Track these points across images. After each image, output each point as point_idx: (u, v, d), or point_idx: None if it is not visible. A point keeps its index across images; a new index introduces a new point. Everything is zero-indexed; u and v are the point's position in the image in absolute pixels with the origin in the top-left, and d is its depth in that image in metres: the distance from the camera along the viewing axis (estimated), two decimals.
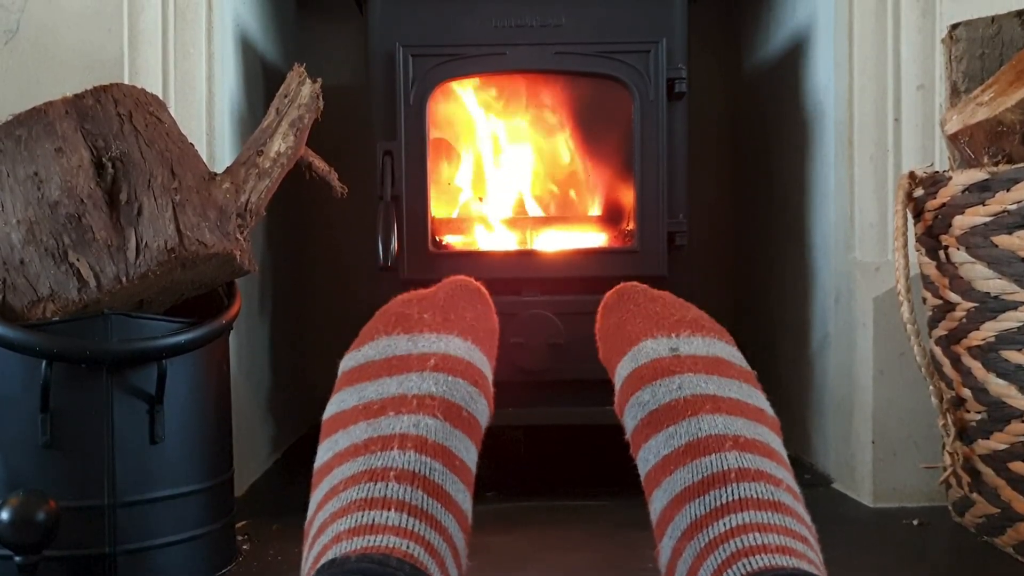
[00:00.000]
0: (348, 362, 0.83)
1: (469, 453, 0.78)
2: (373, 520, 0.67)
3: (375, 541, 0.66)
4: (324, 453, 0.78)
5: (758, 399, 0.80)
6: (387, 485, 0.70)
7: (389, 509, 0.68)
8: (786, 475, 0.74)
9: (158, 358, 1.10)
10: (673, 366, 0.80)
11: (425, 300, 0.86)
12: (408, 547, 0.66)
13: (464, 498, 0.75)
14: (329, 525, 0.69)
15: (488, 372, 0.85)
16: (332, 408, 0.81)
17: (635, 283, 0.93)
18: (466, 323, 0.85)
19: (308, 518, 0.75)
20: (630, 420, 0.81)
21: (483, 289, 0.92)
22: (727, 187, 2.18)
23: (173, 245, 1.10)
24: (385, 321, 0.84)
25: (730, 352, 0.83)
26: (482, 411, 0.81)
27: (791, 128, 1.80)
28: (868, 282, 1.50)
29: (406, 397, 0.77)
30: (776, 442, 0.78)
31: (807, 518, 0.72)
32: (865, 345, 1.50)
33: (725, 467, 0.72)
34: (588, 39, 1.56)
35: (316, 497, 0.75)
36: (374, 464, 0.72)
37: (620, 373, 0.84)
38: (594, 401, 1.50)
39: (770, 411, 0.81)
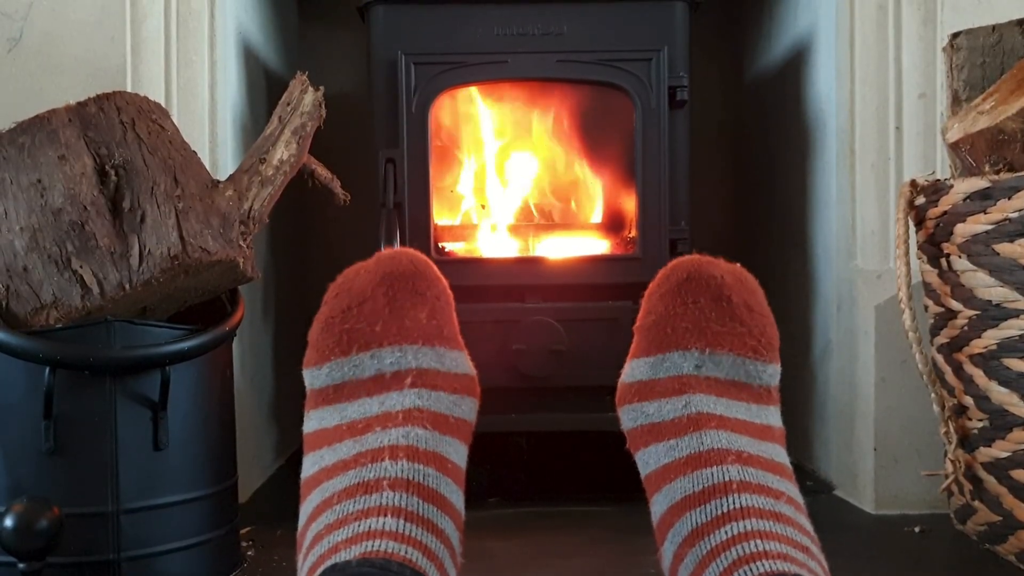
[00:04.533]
0: (313, 380, 0.80)
1: (460, 454, 0.78)
2: (370, 527, 0.67)
3: (374, 546, 0.66)
4: (311, 466, 0.77)
5: (767, 416, 0.80)
6: (382, 494, 0.70)
7: (386, 516, 0.68)
8: (789, 487, 0.74)
9: (161, 365, 1.10)
10: (686, 386, 0.78)
11: (365, 306, 0.80)
12: (407, 552, 0.66)
13: (458, 499, 0.75)
14: (325, 536, 0.69)
15: (464, 363, 0.82)
16: (313, 424, 0.80)
17: (713, 268, 0.82)
18: (421, 326, 0.80)
19: (300, 528, 0.75)
20: (628, 421, 0.81)
21: (419, 266, 0.83)
22: (729, 195, 2.18)
23: (176, 252, 1.10)
24: (337, 340, 0.79)
25: (754, 372, 0.80)
26: (469, 410, 0.81)
27: (793, 136, 1.80)
28: (870, 290, 1.50)
29: (391, 413, 0.76)
30: (781, 455, 0.77)
31: (810, 530, 0.72)
32: (867, 352, 1.50)
33: (727, 479, 0.72)
34: (590, 47, 1.56)
35: (306, 508, 0.75)
36: (367, 476, 0.72)
37: (636, 368, 0.82)
38: (596, 407, 1.50)
39: (778, 425, 0.80)
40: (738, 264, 0.85)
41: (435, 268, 0.85)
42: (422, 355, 0.80)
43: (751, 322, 0.81)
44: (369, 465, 0.72)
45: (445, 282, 0.85)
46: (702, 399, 0.77)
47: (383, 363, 0.78)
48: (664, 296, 0.82)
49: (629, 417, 0.81)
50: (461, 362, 0.82)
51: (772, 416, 0.80)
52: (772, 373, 0.82)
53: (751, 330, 0.81)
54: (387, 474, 0.71)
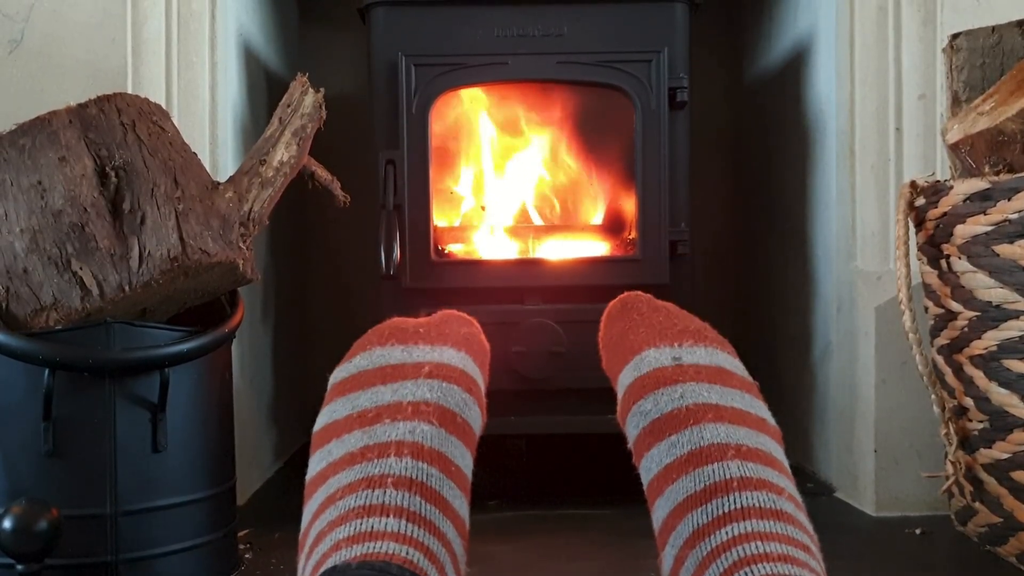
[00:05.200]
0: (339, 373, 0.83)
1: (465, 460, 0.78)
2: (372, 527, 0.67)
3: (375, 548, 0.66)
4: (317, 463, 0.78)
5: (760, 409, 0.80)
6: (385, 492, 0.70)
7: (388, 516, 0.68)
8: (788, 484, 0.74)
9: (161, 366, 1.10)
10: (676, 375, 0.80)
11: (419, 321, 0.87)
12: (408, 553, 0.66)
13: (461, 504, 0.75)
14: (327, 534, 0.69)
15: (481, 382, 0.85)
16: (323, 419, 0.80)
17: (638, 292, 0.93)
18: (460, 336, 0.86)
19: (303, 528, 0.75)
20: (632, 429, 0.82)
21: (472, 319, 0.92)
22: (729, 196, 2.18)
23: (176, 254, 1.10)
24: (379, 333, 0.84)
25: (732, 363, 0.83)
26: (475, 418, 0.82)
27: (793, 137, 1.80)
28: (870, 291, 1.50)
29: (401, 404, 0.77)
30: (778, 451, 0.78)
31: (809, 527, 0.72)
32: (867, 354, 1.50)
33: (727, 476, 0.72)
34: (590, 48, 1.56)
35: (311, 507, 0.75)
36: (371, 472, 0.72)
37: (622, 382, 0.84)
38: (596, 410, 1.50)
39: (772, 421, 0.81)
40: None
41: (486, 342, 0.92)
42: (447, 353, 0.82)
43: (699, 324, 0.87)
44: (375, 460, 0.73)
45: (488, 348, 0.91)
46: (695, 388, 0.78)
47: (411, 355, 0.81)
48: (612, 324, 0.91)
49: (632, 424, 0.81)
50: (479, 376, 0.85)
51: (764, 411, 0.81)
52: (743, 368, 0.84)
53: (704, 327, 0.86)
54: (391, 471, 0.71)
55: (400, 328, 0.84)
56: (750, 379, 0.84)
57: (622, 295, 0.94)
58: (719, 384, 0.79)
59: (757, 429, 0.77)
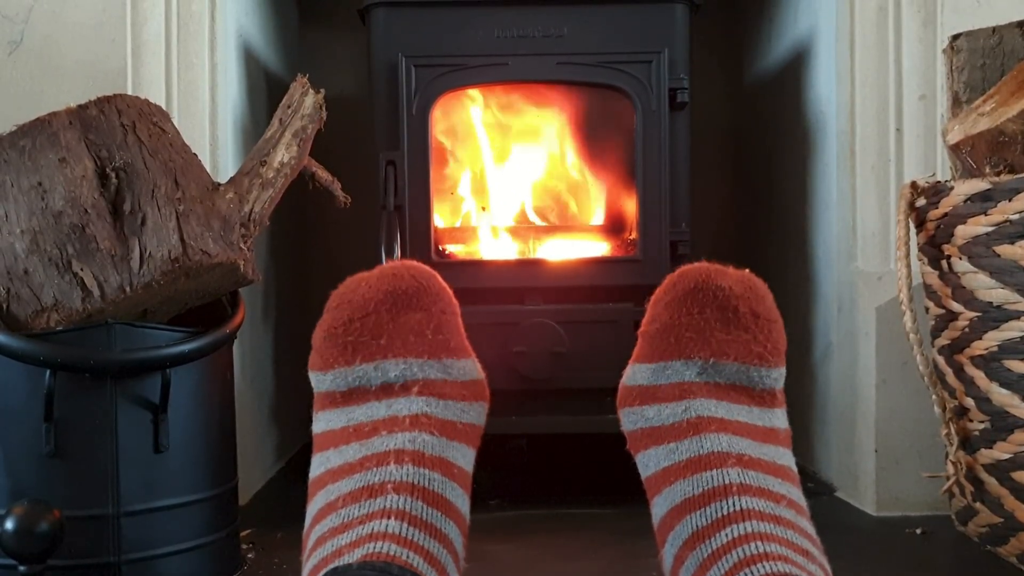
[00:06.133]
0: (319, 384, 0.80)
1: (467, 459, 0.78)
2: (373, 529, 0.68)
3: (376, 548, 0.66)
4: (318, 467, 0.78)
5: (771, 418, 0.80)
6: (386, 498, 0.70)
7: (389, 518, 0.68)
8: (791, 490, 0.74)
9: (162, 367, 1.10)
10: (687, 392, 0.78)
11: (368, 319, 0.79)
12: (408, 556, 0.66)
13: (463, 503, 0.75)
14: (329, 539, 0.69)
15: (471, 370, 0.82)
16: (321, 425, 0.80)
17: (721, 279, 0.81)
18: (427, 341, 0.80)
19: (306, 528, 0.75)
20: (628, 423, 0.81)
21: (421, 280, 0.81)
22: (729, 197, 2.18)
23: (177, 255, 1.10)
24: (341, 350, 0.79)
25: (757, 377, 0.80)
26: (477, 415, 0.81)
27: (793, 138, 1.80)
28: (870, 291, 1.50)
29: (398, 418, 0.76)
30: (785, 457, 0.77)
31: (812, 533, 0.72)
32: (868, 354, 1.50)
33: (727, 481, 0.72)
34: (590, 49, 1.56)
35: (312, 509, 0.75)
36: (371, 480, 0.72)
37: (637, 372, 0.81)
38: (596, 410, 1.50)
39: (783, 426, 0.80)
40: (747, 270, 0.83)
41: (438, 279, 0.83)
42: (428, 367, 0.79)
43: (757, 329, 0.80)
44: (374, 469, 0.72)
45: (449, 292, 0.83)
46: (702, 403, 0.77)
47: (387, 375, 0.78)
48: (670, 304, 0.80)
49: (629, 420, 0.81)
50: (469, 369, 0.82)
51: (777, 418, 0.80)
52: (776, 376, 0.82)
53: (756, 337, 0.80)
54: (392, 478, 0.71)
55: (360, 343, 0.79)
56: (772, 389, 0.81)
57: (703, 271, 0.81)
58: (727, 401, 0.78)
59: (762, 440, 0.77)
